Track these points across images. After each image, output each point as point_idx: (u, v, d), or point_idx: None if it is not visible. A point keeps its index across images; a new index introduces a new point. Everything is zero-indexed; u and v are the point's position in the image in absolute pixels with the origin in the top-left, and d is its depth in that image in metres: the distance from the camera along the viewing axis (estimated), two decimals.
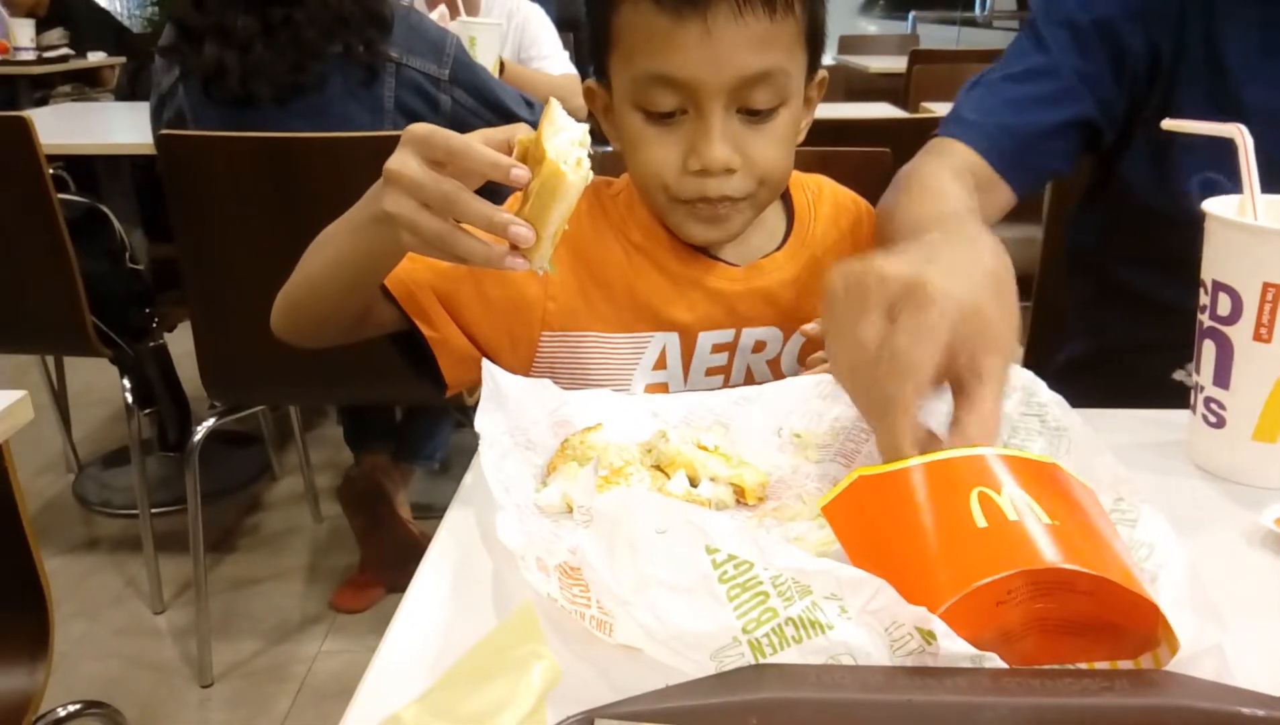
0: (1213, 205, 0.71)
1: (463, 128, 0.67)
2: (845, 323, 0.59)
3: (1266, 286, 0.66)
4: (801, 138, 0.87)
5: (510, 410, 0.67)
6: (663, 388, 0.87)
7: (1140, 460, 0.73)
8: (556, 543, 0.51)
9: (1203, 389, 0.72)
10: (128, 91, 3.70)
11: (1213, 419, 0.71)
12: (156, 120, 1.76)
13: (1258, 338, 0.68)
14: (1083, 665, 0.47)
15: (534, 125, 0.66)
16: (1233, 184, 0.90)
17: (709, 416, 0.72)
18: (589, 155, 0.64)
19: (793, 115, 0.82)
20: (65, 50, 4.43)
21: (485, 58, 2.06)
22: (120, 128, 2.64)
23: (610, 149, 0.93)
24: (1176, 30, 0.94)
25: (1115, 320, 1.09)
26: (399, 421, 2.22)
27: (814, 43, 0.82)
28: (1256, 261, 0.67)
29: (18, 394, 0.89)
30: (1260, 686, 0.42)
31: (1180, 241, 0.95)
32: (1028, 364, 0.73)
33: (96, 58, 4.49)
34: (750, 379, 0.89)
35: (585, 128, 0.64)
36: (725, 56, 0.76)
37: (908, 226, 0.79)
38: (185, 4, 1.65)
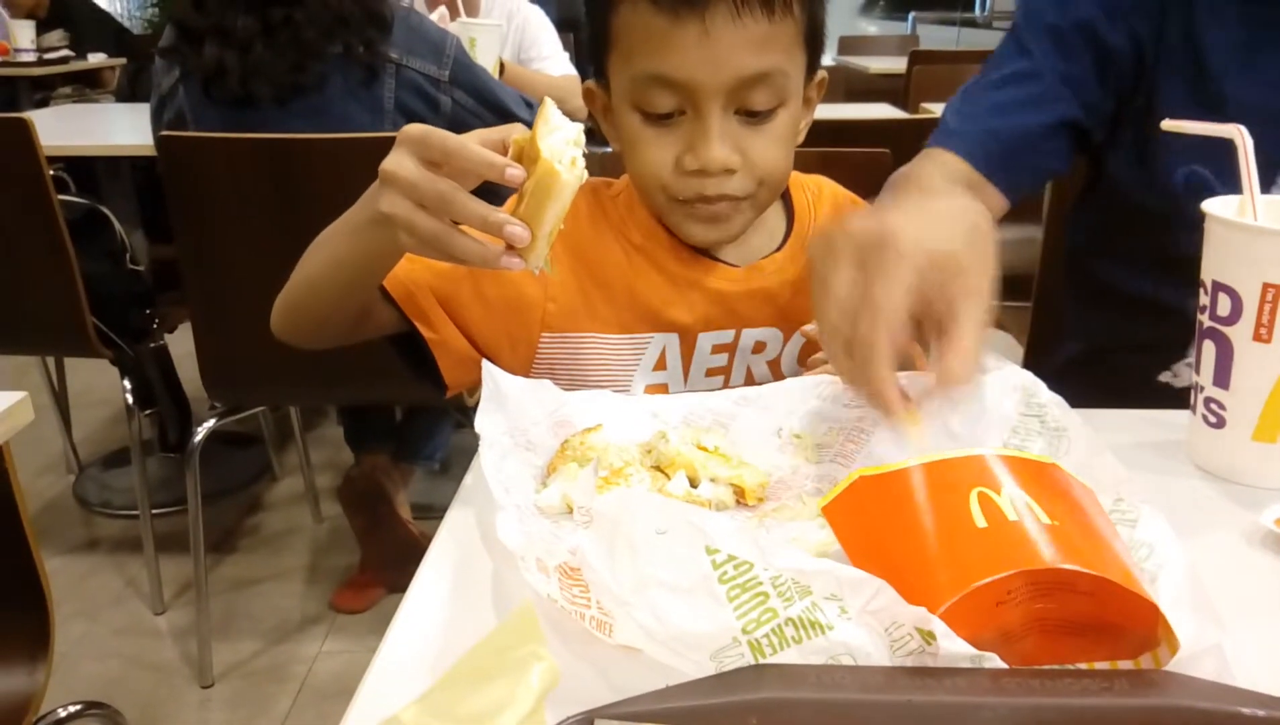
0: (1213, 205, 0.71)
1: (462, 128, 0.67)
2: (821, 283, 0.61)
3: (1266, 287, 0.66)
4: (801, 138, 0.87)
5: (510, 411, 0.67)
6: (663, 388, 0.87)
7: (1140, 460, 0.73)
8: (556, 543, 0.51)
9: (1203, 389, 0.72)
10: (128, 93, 3.71)
11: (1213, 419, 0.71)
12: (157, 121, 1.76)
13: (1257, 338, 0.68)
14: (1082, 665, 0.47)
15: (532, 126, 0.66)
16: (1217, 177, 0.91)
17: (709, 417, 0.72)
18: (584, 154, 0.64)
19: (792, 116, 0.82)
20: (65, 52, 4.43)
21: (485, 59, 2.06)
22: (120, 129, 2.64)
23: (610, 149, 0.93)
24: (1158, 26, 0.94)
25: (1104, 320, 1.09)
26: (399, 422, 2.22)
27: (813, 43, 0.82)
28: (1256, 262, 0.67)
29: (18, 395, 0.89)
30: (1260, 686, 0.42)
31: (1167, 237, 0.96)
32: (1027, 364, 0.73)
33: (97, 59, 4.50)
34: (750, 380, 0.89)
35: (580, 127, 0.64)
36: (723, 57, 0.76)
37: None
38: (185, 5, 1.66)
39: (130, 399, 2.05)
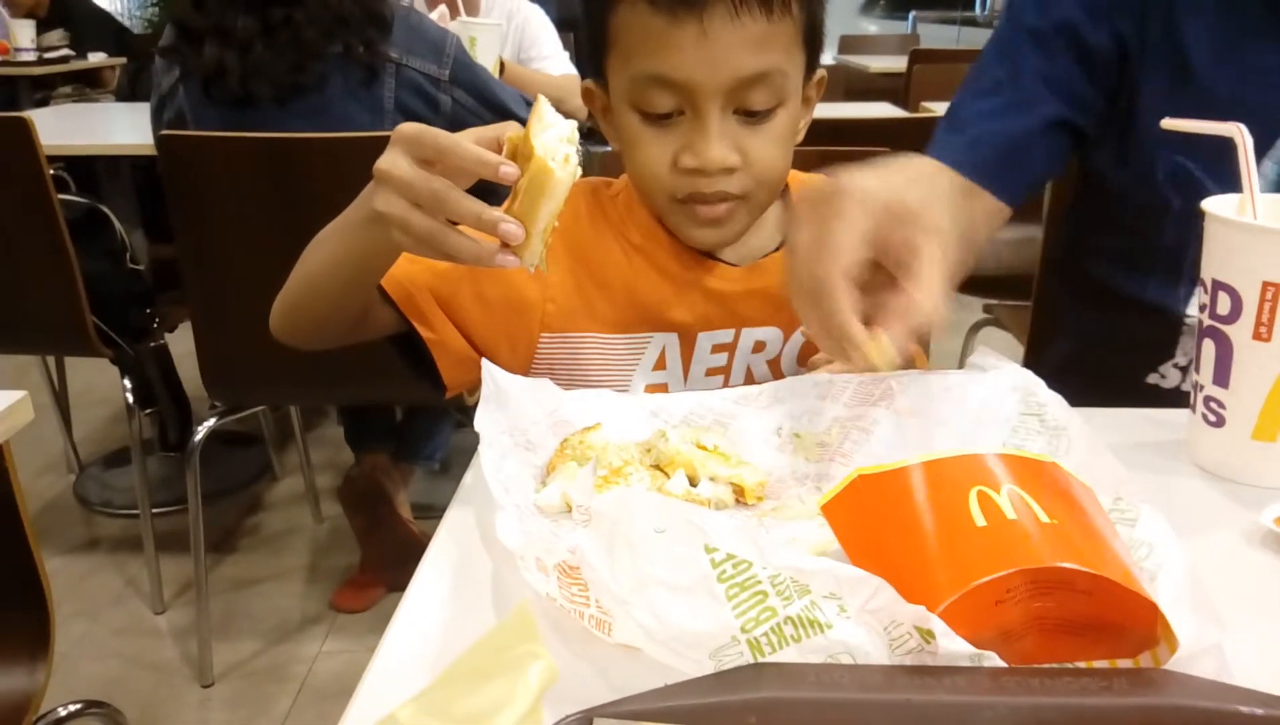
0: (1212, 205, 0.71)
1: (462, 128, 0.67)
2: (788, 248, 0.66)
3: (1266, 286, 0.66)
4: (800, 137, 0.87)
5: (510, 410, 0.67)
6: (662, 388, 0.87)
7: (1140, 459, 0.73)
8: (556, 542, 0.51)
9: (1202, 388, 0.72)
10: (128, 92, 3.71)
11: (1212, 418, 0.71)
12: (157, 121, 1.76)
13: (1257, 337, 0.68)
14: (1082, 664, 0.47)
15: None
16: (1200, 169, 0.92)
17: (708, 416, 0.72)
18: (578, 152, 0.64)
19: (791, 115, 0.82)
20: (66, 51, 4.43)
21: (485, 58, 2.06)
22: (121, 128, 2.64)
23: (610, 149, 0.93)
24: (1139, 23, 0.94)
25: (1093, 319, 1.09)
26: (399, 422, 2.22)
27: (812, 42, 0.82)
28: (1256, 261, 0.67)
29: (18, 394, 0.89)
30: (1260, 685, 0.42)
31: (1153, 231, 0.97)
32: (1027, 363, 0.73)
33: (97, 58, 4.50)
34: (750, 379, 0.89)
35: (573, 124, 0.64)
36: (722, 57, 0.76)
37: None
38: (185, 5, 1.66)
39: (130, 398, 2.05)
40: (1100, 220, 1.04)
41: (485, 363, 0.69)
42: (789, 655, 0.44)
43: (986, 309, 2.11)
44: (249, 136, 1.54)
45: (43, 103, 4.09)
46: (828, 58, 0.81)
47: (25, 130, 1.72)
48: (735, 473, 0.64)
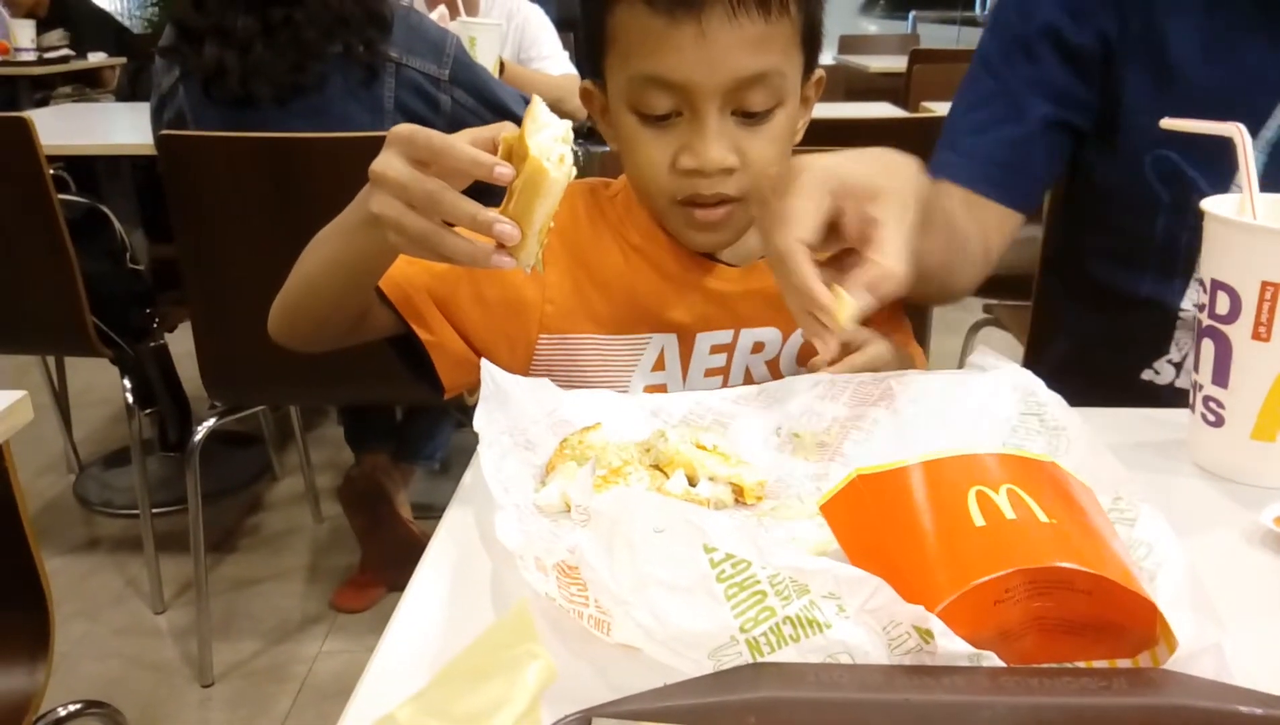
0: (1211, 204, 0.71)
1: (462, 127, 0.67)
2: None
3: (1265, 285, 0.66)
4: (799, 137, 0.87)
5: (509, 410, 0.67)
6: (661, 389, 0.87)
7: (1139, 459, 0.73)
8: (555, 542, 0.51)
9: (1201, 388, 0.72)
10: (128, 92, 3.71)
11: (1211, 418, 0.71)
12: (157, 121, 1.76)
13: (1256, 337, 0.68)
14: (1081, 664, 0.47)
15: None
16: (1186, 161, 0.93)
17: (708, 416, 0.72)
18: (573, 152, 0.64)
19: (789, 116, 0.82)
20: (66, 51, 4.43)
21: (485, 58, 2.06)
22: (121, 128, 2.64)
23: (610, 149, 0.93)
24: (1121, 20, 0.94)
25: (1088, 316, 1.10)
26: (399, 421, 2.22)
27: (810, 43, 0.82)
28: (1255, 260, 0.67)
29: (18, 394, 0.89)
30: (1259, 685, 0.42)
31: (1142, 225, 0.97)
32: (1027, 363, 0.73)
33: (97, 58, 4.50)
34: (749, 380, 0.89)
35: (568, 124, 0.64)
36: (720, 58, 0.76)
37: None
38: (185, 5, 1.66)
39: (130, 398, 2.05)
40: (1093, 218, 1.04)
41: (484, 363, 0.69)
42: (788, 655, 0.44)
43: (986, 309, 2.11)
44: (249, 136, 1.54)
45: (43, 103, 4.09)
46: (827, 58, 0.81)
47: (25, 130, 1.72)
48: (734, 472, 0.64)
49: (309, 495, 2.40)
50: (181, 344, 1.95)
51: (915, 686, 0.41)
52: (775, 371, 0.90)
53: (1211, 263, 0.70)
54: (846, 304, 0.63)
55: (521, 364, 0.87)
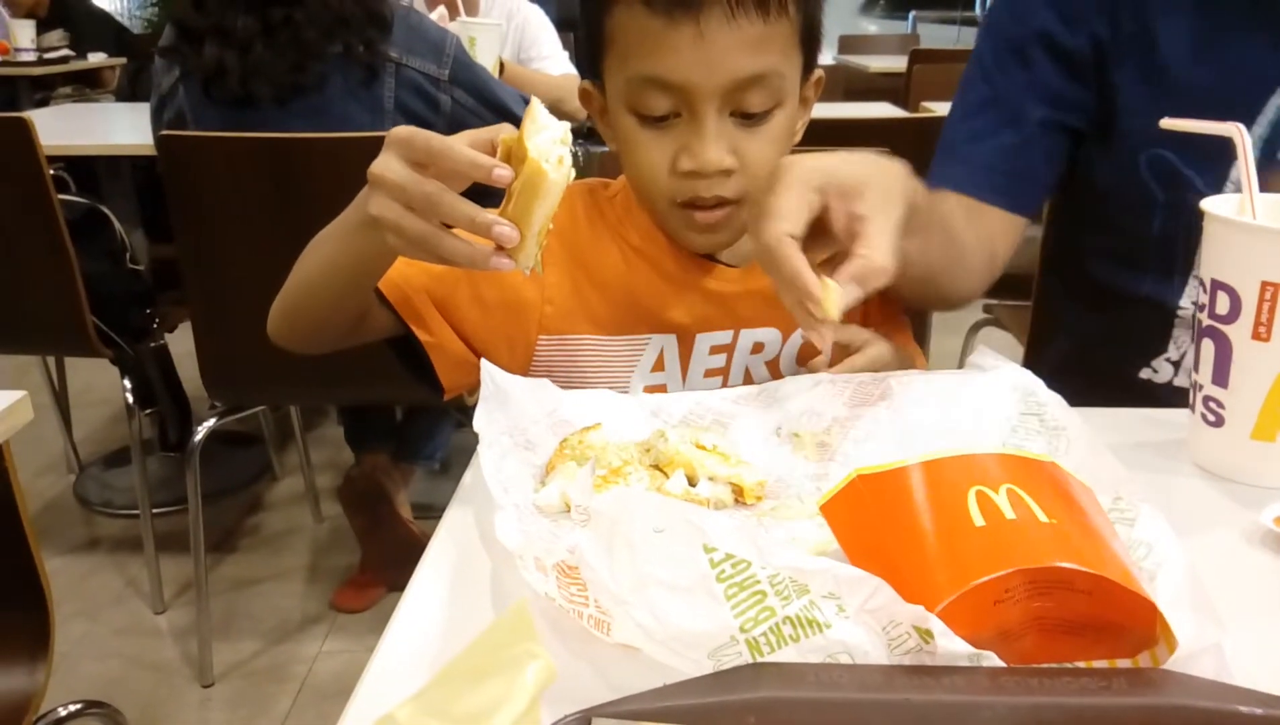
0: (1211, 204, 0.71)
1: (463, 128, 0.67)
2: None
3: (1265, 285, 0.66)
4: (798, 138, 0.87)
5: (509, 410, 0.67)
6: (661, 390, 0.87)
7: (1139, 459, 0.73)
8: (555, 542, 0.51)
9: (1201, 388, 0.72)
10: (128, 92, 3.71)
11: (1211, 418, 0.71)
12: (157, 121, 1.76)
13: (1256, 337, 0.68)
14: (1081, 664, 0.47)
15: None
16: (1179, 158, 0.93)
17: (708, 416, 0.72)
18: (572, 153, 0.64)
19: (788, 116, 0.82)
20: (66, 51, 4.43)
21: (485, 58, 2.06)
22: (121, 128, 2.64)
23: (609, 149, 0.93)
24: (1114, 22, 0.94)
25: (1087, 315, 1.10)
26: (399, 421, 2.22)
27: (809, 43, 0.82)
28: (1255, 260, 0.67)
29: (18, 394, 0.89)
30: (1259, 685, 0.42)
31: (1139, 223, 0.97)
32: (1027, 363, 0.73)
33: (97, 59, 4.50)
34: (749, 380, 0.89)
35: (567, 126, 0.64)
36: (718, 59, 0.76)
37: None
38: (185, 5, 1.66)
39: (130, 398, 2.05)
40: (1091, 217, 1.05)
41: (484, 363, 0.69)
42: (788, 655, 0.44)
43: (986, 309, 2.11)
44: (249, 136, 1.54)
45: (43, 103, 4.09)
46: (827, 58, 0.81)
47: (25, 130, 1.72)
48: (734, 472, 0.64)
49: (309, 495, 2.40)
50: (182, 344, 1.95)
51: (915, 686, 0.41)
52: (775, 372, 0.90)
53: (1211, 263, 0.70)
54: (834, 294, 0.64)
55: (521, 365, 0.87)
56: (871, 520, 0.49)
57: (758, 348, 0.89)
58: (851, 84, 4.14)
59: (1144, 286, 1.00)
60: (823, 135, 0.94)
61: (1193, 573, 0.47)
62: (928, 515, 0.48)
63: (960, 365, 0.76)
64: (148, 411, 2.31)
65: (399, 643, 0.53)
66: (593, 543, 0.48)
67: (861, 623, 0.43)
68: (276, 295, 0.83)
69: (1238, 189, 0.73)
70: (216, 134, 1.57)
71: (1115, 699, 0.41)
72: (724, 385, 0.88)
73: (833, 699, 0.41)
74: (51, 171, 1.78)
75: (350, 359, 0.89)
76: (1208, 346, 0.71)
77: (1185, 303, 0.98)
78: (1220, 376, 0.70)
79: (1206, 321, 0.71)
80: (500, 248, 0.64)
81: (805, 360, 0.88)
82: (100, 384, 2.94)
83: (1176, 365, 1.00)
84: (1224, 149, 0.73)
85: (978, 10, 7.84)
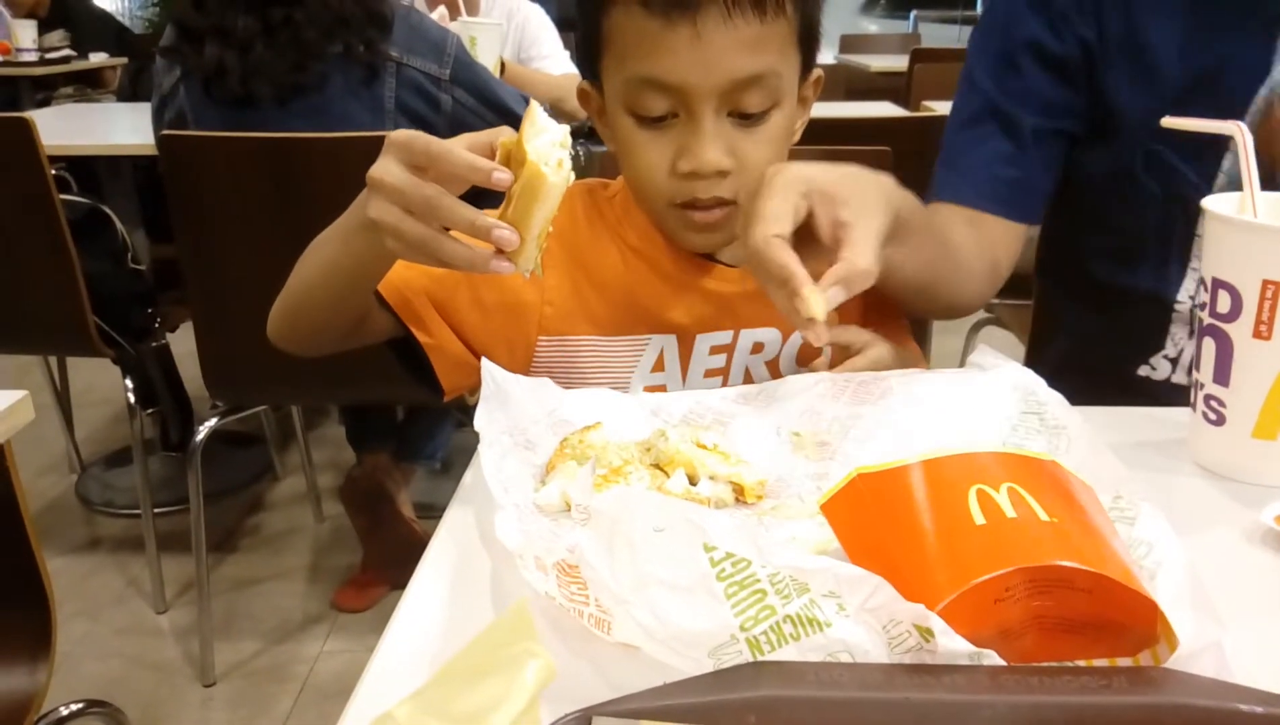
0: (1212, 203, 0.71)
1: (463, 128, 0.67)
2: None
3: (1266, 284, 0.66)
4: (797, 138, 0.87)
5: (510, 410, 0.67)
6: (660, 390, 0.87)
7: (1140, 458, 0.73)
8: (555, 541, 0.51)
9: (1202, 386, 0.72)
10: (129, 92, 3.70)
11: (1212, 416, 0.71)
12: (158, 121, 1.76)
13: (1257, 335, 0.68)
14: (1081, 663, 0.47)
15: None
16: (1172, 153, 0.94)
17: (708, 415, 0.72)
18: (571, 156, 0.64)
19: (786, 116, 0.82)
20: (67, 51, 4.43)
21: (486, 58, 2.06)
22: (122, 128, 2.64)
23: (609, 149, 0.93)
24: (1099, 23, 0.95)
25: (1085, 314, 1.10)
26: (400, 421, 2.22)
27: (808, 43, 0.82)
28: (1256, 259, 0.67)
29: (19, 394, 0.89)
30: (1260, 684, 0.42)
31: (1137, 219, 0.97)
32: (1027, 362, 0.73)
33: (98, 59, 4.50)
34: (749, 380, 0.89)
35: (566, 129, 0.64)
36: (715, 60, 0.76)
37: None
38: (186, 5, 1.66)
39: (132, 398, 2.05)
40: (1088, 216, 1.05)
41: (485, 362, 0.69)
42: (788, 654, 0.44)
43: (988, 308, 2.11)
44: (249, 136, 1.54)
45: (44, 103, 4.09)
46: (828, 57, 0.81)
47: (27, 130, 1.72)
48: (735, 471, 0.64)
49: (310, 495, 2.40)
50: (183, 344, 1.95)
51: (915, 685, 0.41)
52: (775, 372, 0.90)
53: (1212, 261, 0.70)
54: (819, 294, 0.64)
55: (521, 366, 0.87)
56: (872, 519, 0.49)
57: (758, 348, 0.89)
58: (853, 83, 4.14)
59: (1141, 281, 1.00)
60: (823, 134, 0.94)
61: (1193, 571, 0.47)
62: (928, 514, 0.48)
63: (961, 365, 0.76)
64: (149, 411, 2.32)
65: (399, 642, 0.53)
66: (593, 542, 0.48)
67: (862, 621, 0.43)
68: (277, 295, 0.83)
69: (1230, 180, 0.73)
70: (217, 134, 1.57)
71: (1116, 698, 0.41)
72: (724, 385, 0.88)
73: (833, 698, 0.41)
74: (53, 171, 1.78)
75: (351, 359, 0.89)
76: (1209, 345, 0.71)
77: (1182, 297, 0.98)
78: (1221, 375, 0.70)
79: (1208, 320, 0.71)
80: (500, 251, 0.64)
81: (805, 360, 0.88)
82: (102, 384, 2.94)
83: (1174, 362, 1.00)
84: (1216, 143, 0.73)
85: (978, 9, 7.84)
